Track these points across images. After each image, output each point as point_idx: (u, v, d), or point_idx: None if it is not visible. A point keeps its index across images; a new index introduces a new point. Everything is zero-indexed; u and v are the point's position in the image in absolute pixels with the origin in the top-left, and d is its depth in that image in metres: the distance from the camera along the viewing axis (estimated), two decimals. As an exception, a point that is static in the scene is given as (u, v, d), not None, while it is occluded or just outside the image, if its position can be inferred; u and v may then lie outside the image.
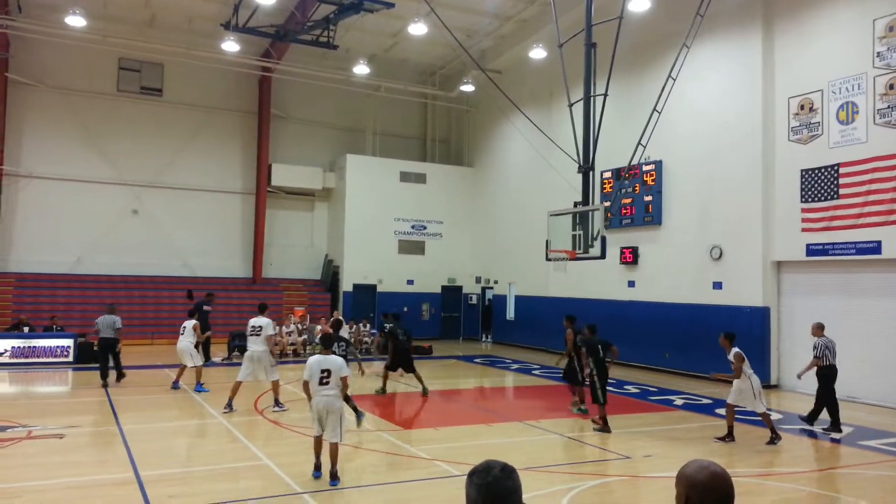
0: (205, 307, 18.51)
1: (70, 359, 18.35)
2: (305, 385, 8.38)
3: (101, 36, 23.02)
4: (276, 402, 12.69)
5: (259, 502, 7.61)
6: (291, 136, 28.10)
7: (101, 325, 15.04)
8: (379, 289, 27.37)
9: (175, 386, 14.67)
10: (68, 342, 18.61)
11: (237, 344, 20.30)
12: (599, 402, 11.50)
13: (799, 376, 12.59)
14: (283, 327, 21.45)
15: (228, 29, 21.95)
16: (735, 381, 10.90)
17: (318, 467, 8.33)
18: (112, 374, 15.11)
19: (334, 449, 8.19)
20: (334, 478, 8.12)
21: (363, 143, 29.01)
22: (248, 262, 27.35)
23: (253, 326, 12.84)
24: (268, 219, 27.33)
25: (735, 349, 10.98)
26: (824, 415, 12.04)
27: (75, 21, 20.39)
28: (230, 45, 22.33)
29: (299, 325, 21.90)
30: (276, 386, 12.84)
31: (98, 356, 15.36)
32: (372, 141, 29.12)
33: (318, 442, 8.39)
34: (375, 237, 27.25)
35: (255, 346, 12.73)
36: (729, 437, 10.78)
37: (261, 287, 26.63)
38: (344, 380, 8.38)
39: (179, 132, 26.28)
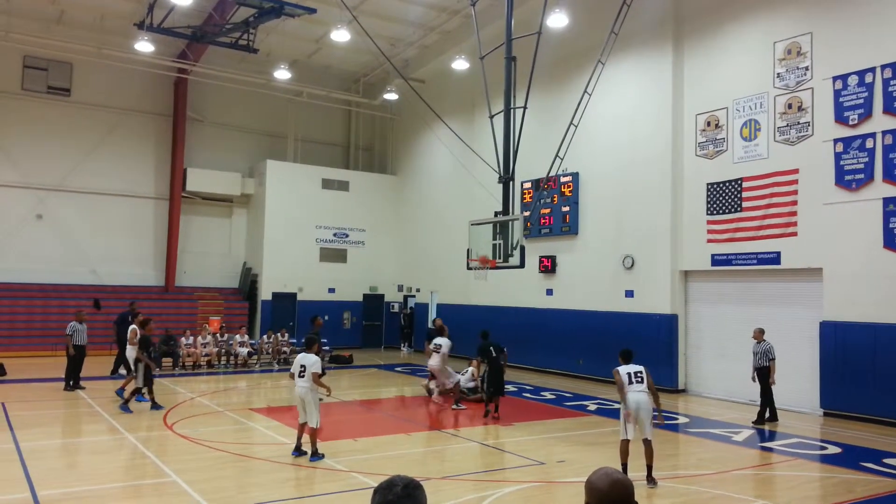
0: (129, 317, 17.93)
1: (-36, 372, 17.24)
2: (292, 376, 10.14)
3: (3, 31, 21.80)
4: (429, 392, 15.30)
5: (166, 520, 7.34)
6: (208, 140, 27.34)
7: (82, 332, 15.98)
8: (299, 297, 26.94)
9: (140, 399, 14.04)
10: (-38, 354, 17.48)
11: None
12: (485, 398, 13.68)
13: (772, 382, 13.42)
14: (200, 338, 20.80)
15: (142, 28, 21.19)
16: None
17: (297, 448, 9.96)
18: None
19: (311, 432, 9.81)
20: (314, 455, 9.75)
21: (284, 148, 28.54)
22: (160, 269, 26.38)
23: (437, 344, 15.33)
24: (182, 225, 26.47)
25: (620, 367, 9.41)
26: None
27: (-25, 15, 19.25)
28: (144, 46, 21.56)
29: (216, 336, 21.26)
30: (456, 388, 14.94)
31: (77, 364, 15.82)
32: (293, 147, 28.68)
33: (300, 427, 9.97)
34: (296, 245, 26.82)
35: (431, 361, 15.24)
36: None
37: (174, 296, 25.75)
38: (313, 375, 9.83)
39: (89, 134, 25.14)
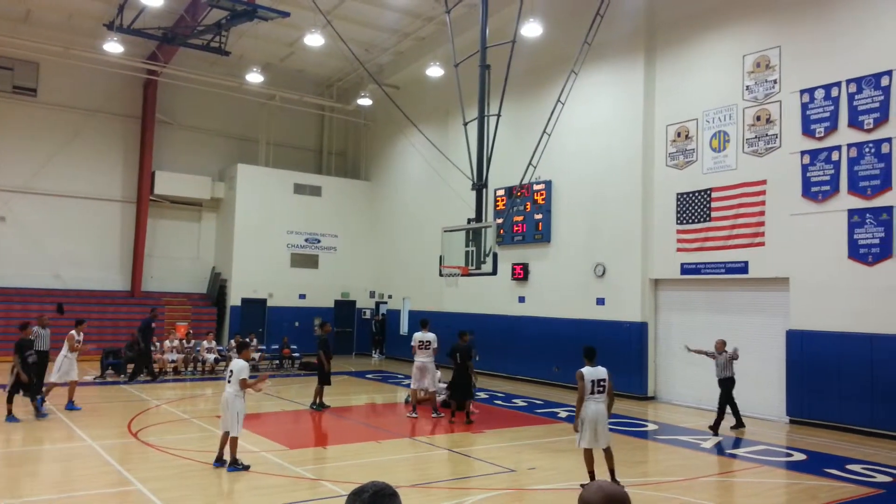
0: (153, 324, 18.99)
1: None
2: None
3: (-34, 28, 21.33)
4: (434, 410, 14.38)
5: (128, 530, 7.15)
6: (178, 143, 26.96)
7: (45, 338, 14.47)
8: (269, 303, 26.64)
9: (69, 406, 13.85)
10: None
11: (111, 362, 19.21)
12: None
13: (690, 349, 14.14)
14: (167, 342, 20.46)
15: (112, 29, 20.84)
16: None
17: (218, 458, 9.55)
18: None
19: (231, 441, 9.47)
20: (231, 464, 9.43)
21: (255, 152, 28.25)
22: (126, 274, 25.90)
23: (421, 341, 14.63)
24: (150, 229, 26.04)
25: (583, 368, 9.36)
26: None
27: (-63, 11, 18.76)
28: (113, 47, 21.21)
29: (182, 342, 20.89)
30: (433, 396, 14.58)
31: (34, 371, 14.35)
32: (265, 151, 28.40)
33: (223, 437, 9.59)
34: (266, 250, 26.53)
35: (423, 357, 14.55)
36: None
37: (140, 301, 25.28)
38: (242, 381, 9.55)
39: (55, 135, 24.64)
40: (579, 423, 9.07)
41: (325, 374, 14.94)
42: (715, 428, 13.17)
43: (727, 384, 13.33)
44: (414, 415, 14.30)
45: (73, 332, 14.29)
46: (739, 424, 13.52)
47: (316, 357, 15.44)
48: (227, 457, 9.55)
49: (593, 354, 9.49)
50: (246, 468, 9.44)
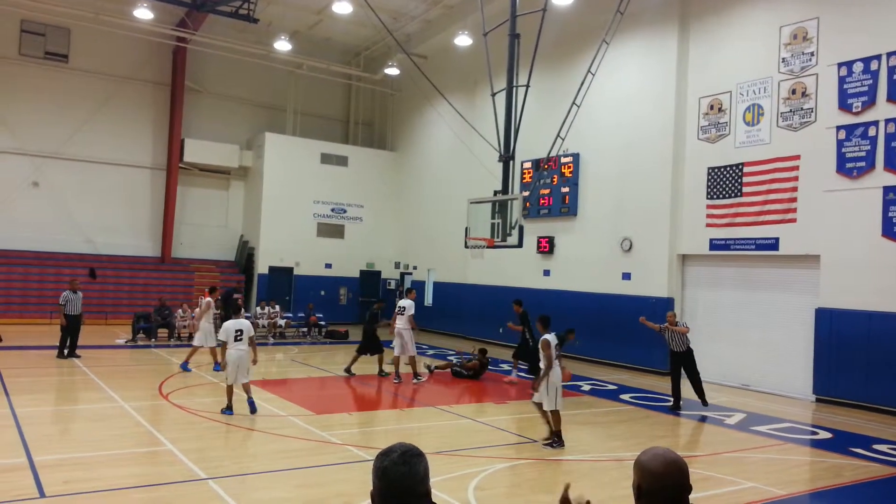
0: (234, 295, 19.87)
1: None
2: (224, 345, 10.77)
3: (0, -6, 21.53)
4: (415, 375, 14.79)
5: (161, 489, 7.37)
6: (207, 110, 27.13)
7: (76, 302, 15.78)
8: (296, 272, 26.93)
9: (183, 367, 14.62)
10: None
11: (142, 326, 19.59)
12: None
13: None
14: (197, 308, 20.78)
15: (142, -5, 20.91)
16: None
17: (229, 406, 10.69)
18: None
19: (247, 386, 10.85)
20: (252, 405, 10.72)
21: (283, 121, 28.34)
22: (156, 240, 26.31)
23: (399, 306, 14.96)
24: (179, 196, 26.35)
25: (545, 335, 9.96)
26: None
27: (-29, -24, 18.95)
28: (143, 13, 21.28)
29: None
30: (413, 360, 14.90)
31: (70, 333, 15.67)
32: (292, 120, 28.49)
33: (230, 390, 10.78)
34: (293, 219, 26.74)
35: (399, 324, 14.73)
36: (557, 440, 9.65)
37: (170, 267, 25.71)
38: (251, 339, 10.92)
39: (86, 101, 24.92)
40: (548, 388, 9.50)
41: (366, 343, 15.37)
42: (676, 406, 12.83)
43: (688, 356, 12.84)
44: (396, 380, 14.67)
45: (209, 298, 15.15)
46: (702, 400, 12.80)
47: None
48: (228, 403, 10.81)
49: (548, 322, 10.20)
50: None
